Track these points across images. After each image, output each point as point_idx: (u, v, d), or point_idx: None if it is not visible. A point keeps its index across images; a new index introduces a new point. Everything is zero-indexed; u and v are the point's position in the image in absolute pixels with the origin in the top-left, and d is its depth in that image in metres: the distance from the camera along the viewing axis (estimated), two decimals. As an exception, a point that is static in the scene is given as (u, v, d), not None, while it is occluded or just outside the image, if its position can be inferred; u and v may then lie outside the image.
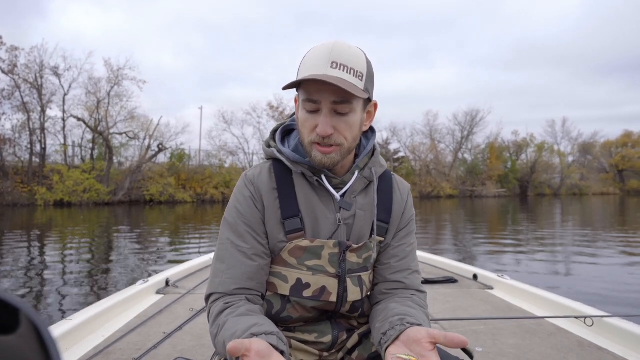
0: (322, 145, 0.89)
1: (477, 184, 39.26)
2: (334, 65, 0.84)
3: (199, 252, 7.52)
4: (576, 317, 2.16)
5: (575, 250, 7.93)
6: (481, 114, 41.06)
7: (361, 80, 0.87)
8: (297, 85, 0.90)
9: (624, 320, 2.07)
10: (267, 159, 1.04)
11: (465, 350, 1.03)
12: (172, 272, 3.18)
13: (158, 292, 2.79)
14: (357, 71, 0.86)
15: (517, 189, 42.53)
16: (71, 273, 5.67)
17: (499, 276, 3.09)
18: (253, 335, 0.76)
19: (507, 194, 39.93)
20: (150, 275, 3.16)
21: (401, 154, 40.26)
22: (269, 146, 1.03)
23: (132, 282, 5.16)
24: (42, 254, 7.46)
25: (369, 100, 0.93)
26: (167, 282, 2.93)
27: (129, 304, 2.47)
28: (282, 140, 1.04)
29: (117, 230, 11.58)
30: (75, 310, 2.61)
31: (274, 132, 1.05)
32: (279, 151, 1.00)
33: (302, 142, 0.94)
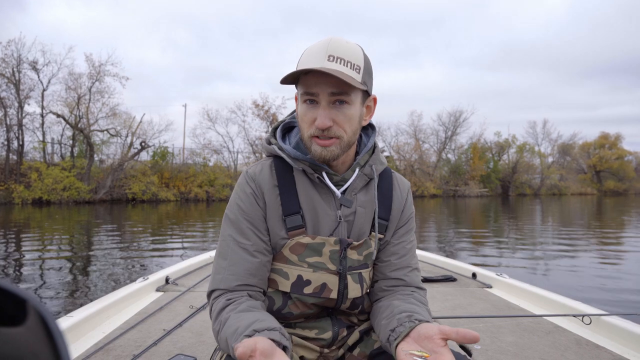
0: (322, 138, 0.89)
1: (460, 183, 39.80)
2: (331, 58, 0.85)
3: (183, 249, 7.44)
4: (574, 316, 2.19)
5: (567, 248, 8.10)
6: (464, 115, 41.63)
7: (358, 73, 0.88)
8: (296, 80, 0.90)
9: (622, 318, 2.09)
10: (268, 156, 1.04)
11: (464, 348, 1.04)
12: (172, 269, 3.19)
13: (158, 290, 2.81)
14: (354, 64, 0.87)
15: (498, 188, 43.27)
16: (52, 268, 5.54)
17: (498, 275, 3.11)
18: (255, 331, 0.76)
19: (489, 194, 40.59)
20: (149, 273, 3.15)
21: (386, 154, 39.82)
22: (269, 143, 1.03)
23: (113, 281, 5.08)
24: (21, 253, 7.26)
25: (367, 94, 0.93)
26: (167, 280, 2.94)
27: (129, 301, 2.48)
28: (283, 138, 1.04)
29: (99, 229, 11.35)
30: (68, 311, 2.58)
31: (275, 129, 1.05)
32: (280, 148, 0.99)
33: (302, 137, 0.94)
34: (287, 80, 0.89)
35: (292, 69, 0.89)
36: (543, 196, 42.18)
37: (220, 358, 0.92)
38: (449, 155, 42.94)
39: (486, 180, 41.89)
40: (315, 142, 0.90)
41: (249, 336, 0.75)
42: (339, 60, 0.85)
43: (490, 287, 3.05)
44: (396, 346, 0.80)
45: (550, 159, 50.25)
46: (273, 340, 0.73)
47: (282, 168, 0.99)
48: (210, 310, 0.93)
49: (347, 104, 0.88)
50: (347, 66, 0.86)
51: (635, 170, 54.91)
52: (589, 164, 52.51)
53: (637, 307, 4.06)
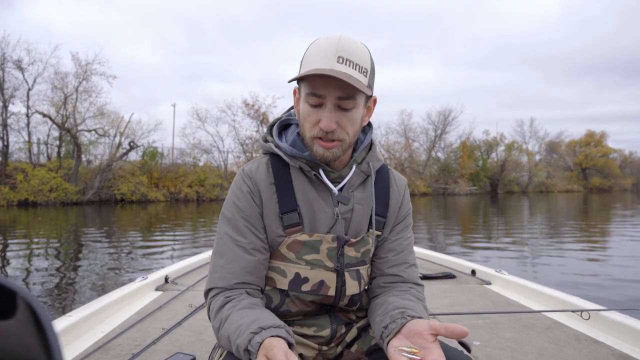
0: (325, 140, 0.89)
1: (450, 181, 40.10)
2: (340, 60, 0.84)
3: (174, 250, 7.38)
4: (573, 311, 2.19)
5: (564, 244, 8.20)
6: (454, 113, 41.94)
7: (365, 76, 0.88)
8: (300, 78, 0.89)
9: (620, 313, 2.10)
10: (264, 154, 1.04)
11: (462, 344, 1.06)
12: (171, 269, 3.17)
13: (157, 289, 2.79)
14: (362, 67, 0.87)
15: (487, 186, 43.69)
16: (45, 270, 5.45)
17: (497, 271, 3.12)
18: (261, 328, 0.77)
19: (479, 192, 41.00)
20: (147, 272, 3.14)
21: (376, 153, 40.52)
22: (266, 141, 1.03)
23: (107, 282, 5.02)
24: (9, 255, 7.13)
25: (370, 96, 0.94)
26: (166, 279, 2.93)
27: (128, 300, 2.47)
28: (280, 135, 1.04)
29: (90, 230, 11.20)
30: (67, 311, 2.55)
31: (271, 126, 1.05)
32: (277, 145, 0.99)
33: (302, 136, 0.94)
34: (296, 78, 0.88)
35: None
36: (531, 193, 42.73)
37: (220, 356, 0.92)
38: (439, 154, 43.28)
39: (475, 178, 42.27)
40: (317, 143, 0.90)
41: (255, 333, 0.76)
42: (348, 62, 0.84)
43: (490, 283, 3.06)
44: (388, 342, 0.81)
45: (537, 157, 50.95)
46: (280, 337, 0.74)
47: (278, 166, 0.99)
48: (209, 308, 0.93)
49: (352, 108, 0.88)
50: (355, 69, 0.85)
51: (620, 168, 55.95)
52: (575, 161, 53.30)
53: (635, 301, 4.10)
